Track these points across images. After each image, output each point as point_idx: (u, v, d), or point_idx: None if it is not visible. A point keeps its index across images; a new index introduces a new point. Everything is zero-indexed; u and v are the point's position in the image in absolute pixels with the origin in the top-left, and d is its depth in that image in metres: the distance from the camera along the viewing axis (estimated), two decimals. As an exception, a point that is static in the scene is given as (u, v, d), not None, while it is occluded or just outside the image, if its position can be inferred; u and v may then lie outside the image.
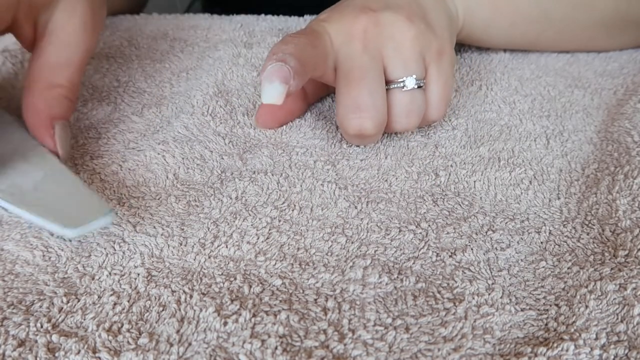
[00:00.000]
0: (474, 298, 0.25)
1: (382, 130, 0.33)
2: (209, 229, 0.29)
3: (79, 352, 0.23)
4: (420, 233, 0.29)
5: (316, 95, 0.39)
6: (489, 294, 0.26)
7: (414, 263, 0.27)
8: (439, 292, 0.26)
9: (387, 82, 0.33)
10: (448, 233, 0.29)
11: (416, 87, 0.33)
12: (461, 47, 0.47)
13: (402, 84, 0.33)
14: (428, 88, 0.34)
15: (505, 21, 0.41)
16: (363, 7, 0.34)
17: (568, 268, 0.27)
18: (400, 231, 0.29)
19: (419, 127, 0.37)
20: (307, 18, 0.51)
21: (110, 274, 0.27)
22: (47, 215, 0.26)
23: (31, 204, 0.27)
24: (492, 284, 0.26)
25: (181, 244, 0.28)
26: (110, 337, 0.23)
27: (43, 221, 0.26)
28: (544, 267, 0.27)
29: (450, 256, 0.27)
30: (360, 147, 0.35)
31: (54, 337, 0.23)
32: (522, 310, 0.25)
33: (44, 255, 0.27)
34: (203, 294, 0.25)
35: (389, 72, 0.33)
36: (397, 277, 0.26)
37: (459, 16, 0.39)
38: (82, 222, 0.26)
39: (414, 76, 0.33)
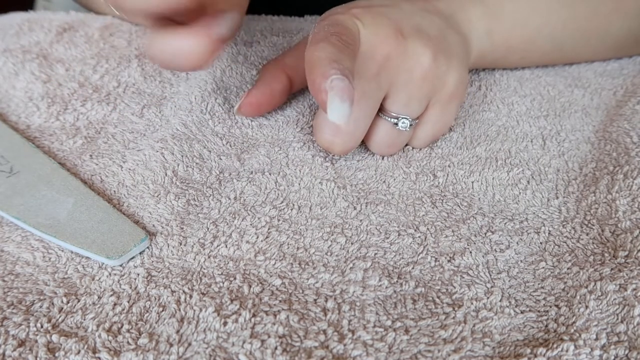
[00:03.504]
0: (472, 303, 0.25)
1: (351, 150, 0.33)
2: (208, 229, 0.29)
3: (79, 352, 0.23)
4: (419, 237, 0.29)
5: (300, 86, 0.38)
6: (488, 298, 0.26)
7: (413, 268, 0.27)
8: (438, 297, 0.26)
9: (382, 109, 0.32)
10: (447, 236, 0.29)
11: (407, 128, 0.33)
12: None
13: (395, 121, 0.32)
14: (422, 125, 0.34)
15: (517, 55, 0.41)
16: (397, 28, 0.32)
17: (568, 268, 0.27)
18: (399, 235, 0.29)
19: None
20: (309, 18, 0.50)
21: (110, 274, 0.27)
22: (89, 247, 0.27)
23: (71, 235, 0.28)
24: (491, 287, 0.26)
25: (181, 244, 0.28)
26: (110, 338, 0.23)
27: (86, 252, 0.27)
28: (543, 267, 0.27)
29: (448, 261, 0.27)
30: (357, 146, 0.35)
31: (54, 337, 0.23)
32: (522, 312, 0.25)
33: (44, 256, 0.27)
34: (203, 294, 0.25)
35: (389, 101, 0.32)
36: (397, 281, 0.26)
37: (472, 51, 0.38)
38: (123, 250, 0.27)
39: (409, 118, 0.32)
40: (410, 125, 0.33)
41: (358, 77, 0.31)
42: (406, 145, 0.35)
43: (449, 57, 0.33)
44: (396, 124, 0.32)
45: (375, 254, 0.28)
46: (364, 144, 0.35)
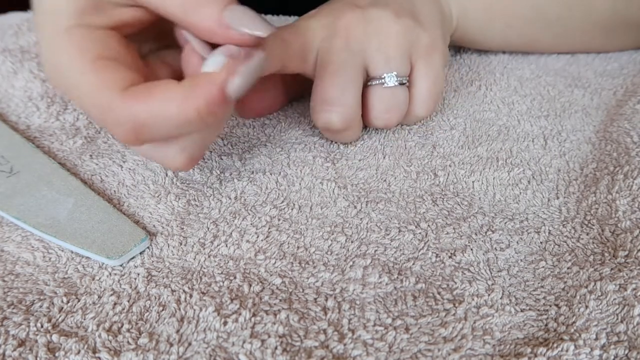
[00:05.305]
0: (473, 299, 0.25)
1: (353, 126, 0.33)
2: (208, 228, 0.29)
3: (79, 352, 0.23)
4: (420, 233, 0.29)
5: (298, 89, 0.39)
6: (489, 295, 0.26)
7: (413, 264, 0.27)
8: (438, 293, 0.26)
9: (369, 79, 0.33)
10: (447, 233, 0.29)
11: (397, 84, 0.33)
12: (460, 47, 0.47)
13: (382, 81, 0.33)
14: (415, 84, 0.34)
15: (500, 22, 0.41)
16: (351, 3, 0.34)
17: (568, 268, 0.27)
18: (399, 231, 0.29)
19: (410, 125, 0.37)
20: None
21: (110, 274, 0.27)
22: (89, 247, 0.27)
23: (71, 235, 0.28)
24: (492, 284, 0.26)
25: (181, 244, 0.28)
26: (110, 337, 0.23)
27: (86, 252, 0.27)
28: (543, 267, 0.27)
29: (449, 257, 0.27)
30: (357, 146, 0.35)
31: (54, 337, 0.23)
32: (522, 310, 0.25)
33: (44, 256, 0.27)
34: (203, 293, 0.25)
35: (371, 68, 0.33)
36: (397, 277, 0.26)
37: (452, 16, 0.39)
38: (123, 251, 0.27)
39: (395, 73, 0.33)
40: (400, 82, 0.33)
41: (330, 53, 0.32)
42: (413, 123, 0.36)
43: (414, 16, 0.34)
44: (383, 82, 0.33)
45: (376, 250, 0.28)
46: (365, 144, 0.35)
